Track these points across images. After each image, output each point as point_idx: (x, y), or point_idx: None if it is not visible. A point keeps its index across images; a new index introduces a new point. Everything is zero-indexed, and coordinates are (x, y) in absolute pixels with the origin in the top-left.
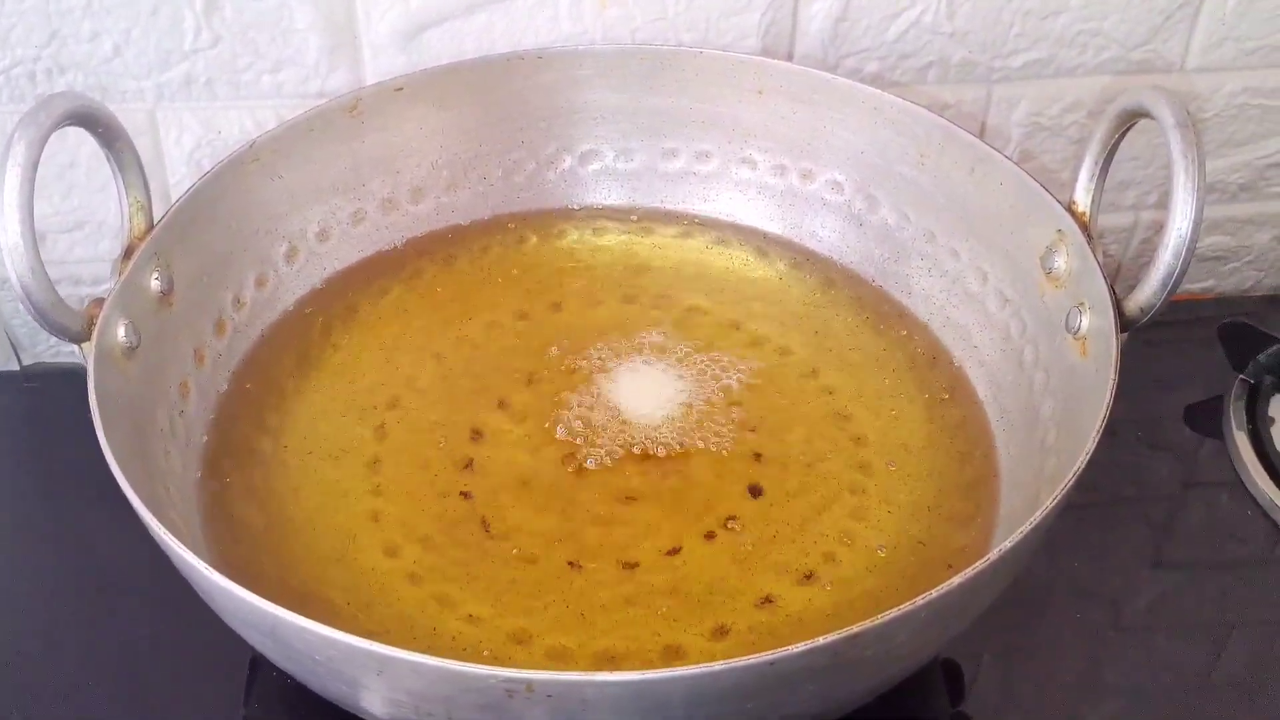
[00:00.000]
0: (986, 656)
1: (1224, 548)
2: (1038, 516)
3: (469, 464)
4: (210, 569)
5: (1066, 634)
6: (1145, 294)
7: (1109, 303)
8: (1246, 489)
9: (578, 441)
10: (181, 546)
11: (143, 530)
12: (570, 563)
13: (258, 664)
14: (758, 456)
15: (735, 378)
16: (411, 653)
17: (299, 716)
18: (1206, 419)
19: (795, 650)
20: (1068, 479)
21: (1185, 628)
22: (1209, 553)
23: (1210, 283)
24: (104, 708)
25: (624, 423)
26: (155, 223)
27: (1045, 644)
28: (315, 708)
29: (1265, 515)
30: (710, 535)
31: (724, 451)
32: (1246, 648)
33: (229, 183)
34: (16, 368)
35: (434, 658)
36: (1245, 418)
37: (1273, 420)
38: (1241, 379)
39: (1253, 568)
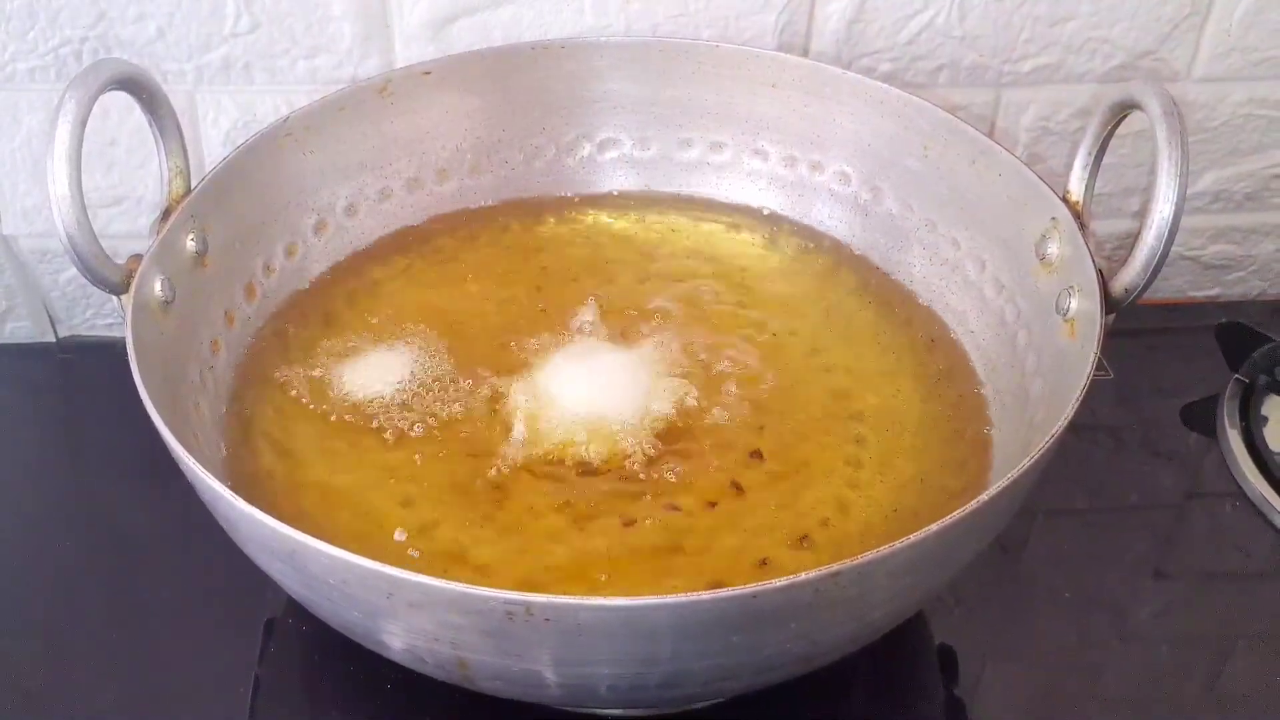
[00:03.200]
0: (990, 662)
1: (1227, 557)
2: (1015, 473)
3: (484, 425)
4: (236, 497)
5: (1072, 640)
6: (1129, 275)
7: (1096, 285)
8: (1249, 498)
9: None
10: (210, 476)
11: (168, 497)
12: (576, 521)
13: (272, 627)
14: (760, 428)
15: (741, 354)
16: (419, 575)
17: (309, 677)
18: (1202, 417)
19: (777, 584)
20: (1044, 443)
21: (1188, 637)
22: (1212, 562)
23: (1215, 291)
24: (126, 664)
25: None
26: (193, 188)
27: (1049, 651)
28: (324, 668)
29: (1268, 522)
30: (712, 504)
31: (727, 422)
32: (1250, 659)
33: (263, 155)
34: (53, 339)
35: (440, 580)
36: (1239, 416)
37: (1265, 419)
38: (1237, 378)
39: (1255, 579)
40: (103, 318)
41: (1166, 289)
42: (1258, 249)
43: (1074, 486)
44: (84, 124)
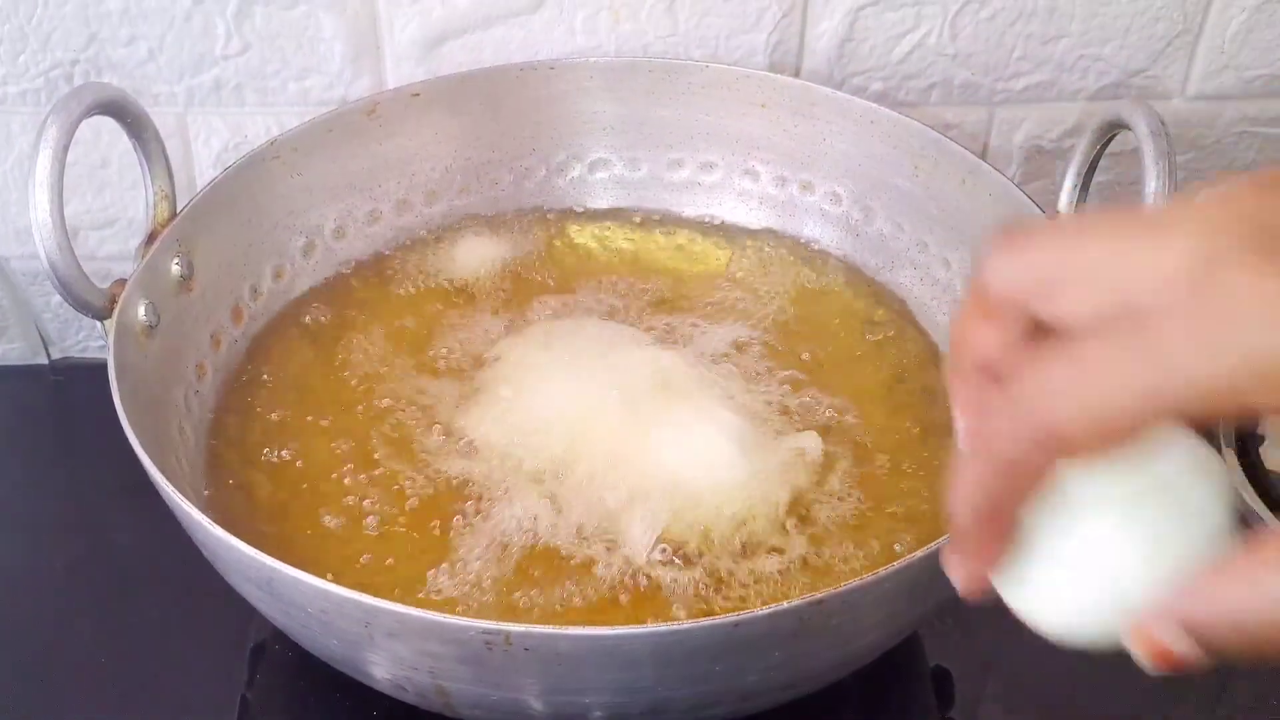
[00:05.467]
0: (986, 683)
1: None
2: None
3: (467, 447)
4: (214, 524)
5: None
6: None
7: None
8: (1245, 519)
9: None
10: (188, 504)
11: (159, 520)
12: (554, 549)
13: (260, 650)
14: None
15: (729, 376)
16: (397, 604)
17: (295, 702)
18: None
19: (760, 613)
20: None
21: None
22: None
23: None
24: (115, 687)
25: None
26: (178, 211)
27: (1047, 672)
28: (310, 691)
29: None
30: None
31: None
32: (1251, 679)
33: (250, 177)
34: (45, 361)
35: (417, 609)
36: (1234, 435)
37: (1262, 438)
38: None
39: None
40: (95, 340)
41: None
42: None
43: None
44: (66, 149)
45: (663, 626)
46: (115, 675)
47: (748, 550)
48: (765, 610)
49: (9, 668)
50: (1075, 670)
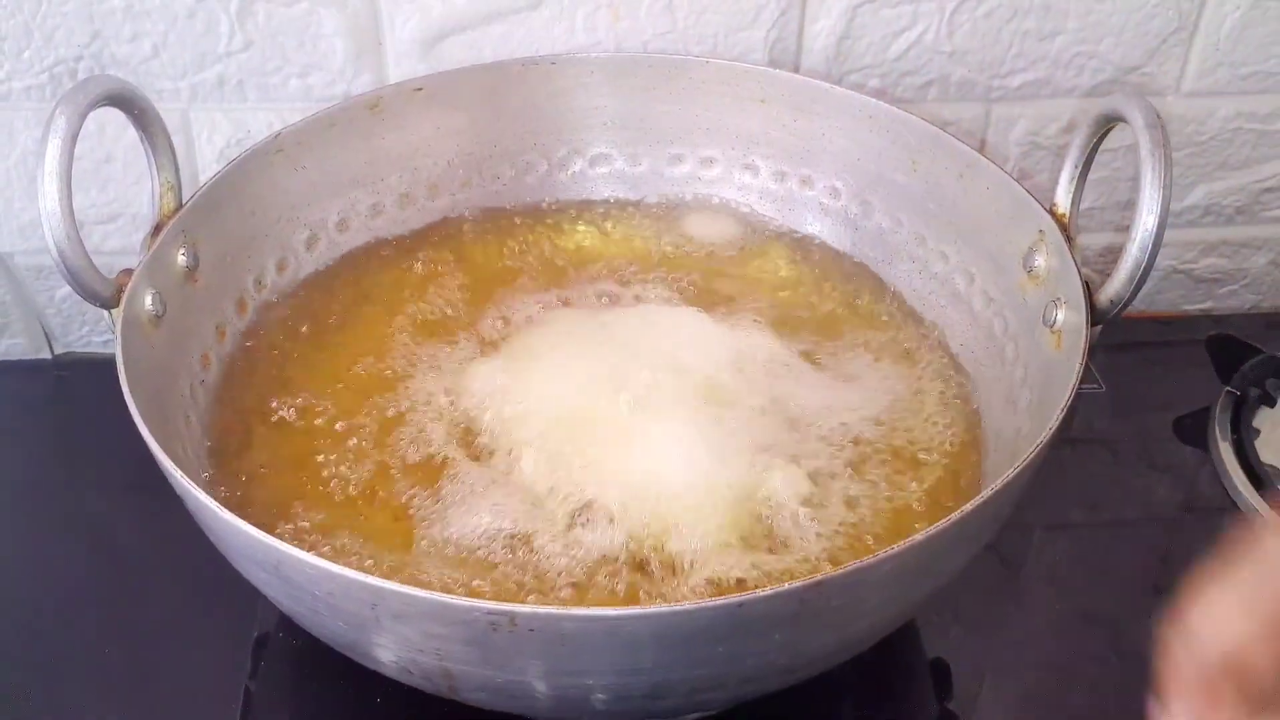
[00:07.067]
0: (984, 676)
1: None
2: (998, 484)
3: (468, 434)
4: (222, 508)
5: (1067, 655)
6: (1114, 287)
7: (1082, 297)
8: (1242, 511)
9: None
10: (197, 489)
11: (162, 513)
12: (552, 552)
13: (264, 641)
14: None
15: (722, 371)
16: (402, 585)
17: (299, 691)
18: (1194, 430)
19: (762, 594)
20: (1028, 455)
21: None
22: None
23: (1208, 304)
24: (120, 678)
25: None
26: (184, 203)
27: (1045, 665)
28: (314, 681)
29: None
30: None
31: None
32: None
33: (254, 170)
34: (48, 356)
35: (423, 590)
36: (1230, 429)
37: (1257, 431)
38: (1228, 391)
39: None
40: (99, 334)
41: (1159, 303)
42: (1249, 262)
43: (1070, 500)
44: (74, 140)
45: (666, 607)
46: (119, 667)
47: (713, 556)
48: (767, 591)
49: (13, 659)
50: (1072, 664)
